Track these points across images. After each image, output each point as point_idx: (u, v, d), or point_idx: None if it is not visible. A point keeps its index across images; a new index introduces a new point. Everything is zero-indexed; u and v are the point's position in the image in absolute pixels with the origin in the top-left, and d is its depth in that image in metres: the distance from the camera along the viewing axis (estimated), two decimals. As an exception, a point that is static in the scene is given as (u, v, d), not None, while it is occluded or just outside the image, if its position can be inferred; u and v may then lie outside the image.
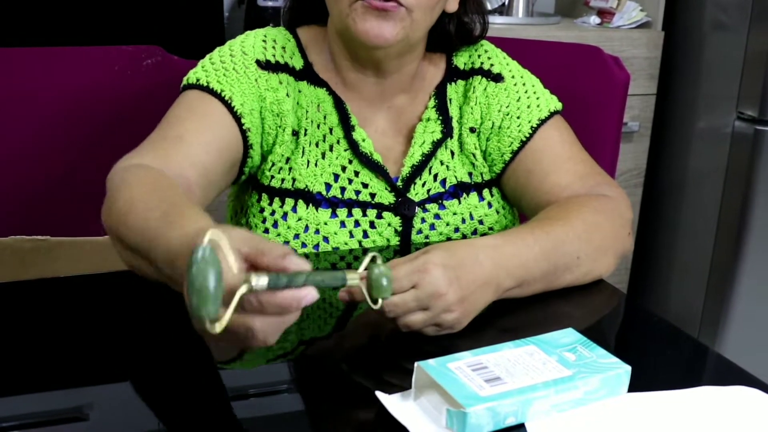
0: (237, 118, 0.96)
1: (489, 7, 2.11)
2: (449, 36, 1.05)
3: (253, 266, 0.60)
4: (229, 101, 0.95)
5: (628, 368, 0.69)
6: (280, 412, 0.69)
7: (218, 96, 0.95)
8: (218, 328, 0.56)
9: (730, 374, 0.75)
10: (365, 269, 0.68)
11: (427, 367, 0.66)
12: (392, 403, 0.66)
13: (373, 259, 0.69)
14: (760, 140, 1.80)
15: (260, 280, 0.57)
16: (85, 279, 0.92)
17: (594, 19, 2.09)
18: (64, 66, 1.31)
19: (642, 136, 2.06)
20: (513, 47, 1.37)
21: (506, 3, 2.11)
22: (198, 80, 0.97)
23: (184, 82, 0.98)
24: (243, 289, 0.56)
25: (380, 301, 0.69)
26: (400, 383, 0.68)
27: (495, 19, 2.05)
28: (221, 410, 0.67)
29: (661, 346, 0.82)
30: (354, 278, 0.66)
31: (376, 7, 0.90)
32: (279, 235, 0.99)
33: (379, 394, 0.67)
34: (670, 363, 0.78)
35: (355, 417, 0.66)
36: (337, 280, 0.64)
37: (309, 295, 0.59)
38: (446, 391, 0.63)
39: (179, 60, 1.32)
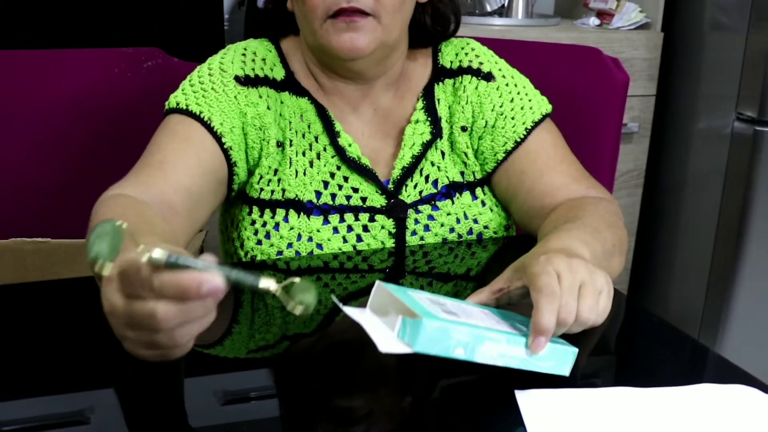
0: (218, 137, 0.96)
1: (488, 8, 2.11)
2: (425, 27, 1.05)
3: None
4: (209, 122, 0.96)
5: (575, 349, 0.71)
6: (276, 415, 0.69)
7: (198, 118, 0.96)
8: (107, 269, 0.54)
9: (729, 374, 0.75)
10: (284, 285, 0.60)
11: (388, 286, 0.68)
12: (350, 310, 0.67)
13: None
14: (759, 141, 1.80)
15: (157, 252, 0.53)
16: (85, 281, 0.92)
17: (593, 21, 2.09)
18: (65, 68, 1.31)
19: (642, 137, 2.06)
20: (512, 48, 1.37)
21: (505, 4, 2.11)
22: (178, 104, 0.98)
23: (166, 106, 1.00)
24: (140, 250, 0.53)
25: (300, 308, 0.60)
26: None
27: (494, 21, 2.05)
28: (219, 412, 0.67)
29: (661, 347, 0.82)
30: (269, 283, 0.58)
31: (344, 21, 0.92)
32: (272, 245, 0.99)
33: (334, 298, 0.69)
34: (670, 363, 0.79)
35: (319, 400, 0.67)
36: (248, 277, 0.57)
37: (213, 280, 0.53)
38: (404, 305, 0.64)
39: (179, 62, 1.32)
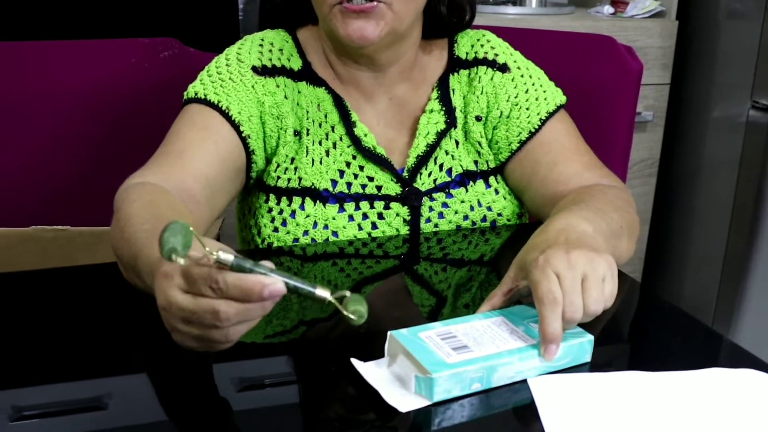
0: (236, 126, 0.98)
1: (502, -3, 2.11)
2: (441, 18, 1.05)
3: None
4: (227, 111, 0.97)
5: (591, 337, 0.72)
6: (293, 401, 0.70)
7: (216, 107, 0.97)
8: (181, 262, 0.57)
9: (742, 360, 0.75)
10: (337, 297, 0.64)
11: (399, 336, 0.70)
12: (366, 369, 0.69)
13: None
14: (774, 129, 1.80)
15: (225, 254, 0.58)
16: (104, 267, 0.94)
17: (608, 9, 2.08)
18: (82, 59, 1.32)
19: (656, 126, 2.06)
20: (526, 37, 1.37)
21: (519, -7, 2.11)
22: (196, 94, 0.99)
23: (185, 96, 1.01)
24: (208, 250, 0.57)
25: (354, 317, 0.63)
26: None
27: (508, 9, 2.05)
28: (235, 399, 0.69)
29: (675, 335, 0.82)
30: (324, 294, 0.62)
31: (353, 9, 0.92)
32: (288, 233, 1.01)
33: (354, 361, 0.70)
34: (684, 351, 0.79)
35: (334, 387, 0.69)
36: (305, 286, 0.61)
37: (275, 285, 0.58)
38: (415, 359, 0.67)
39: (195, 52, 1.33)
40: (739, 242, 1.92)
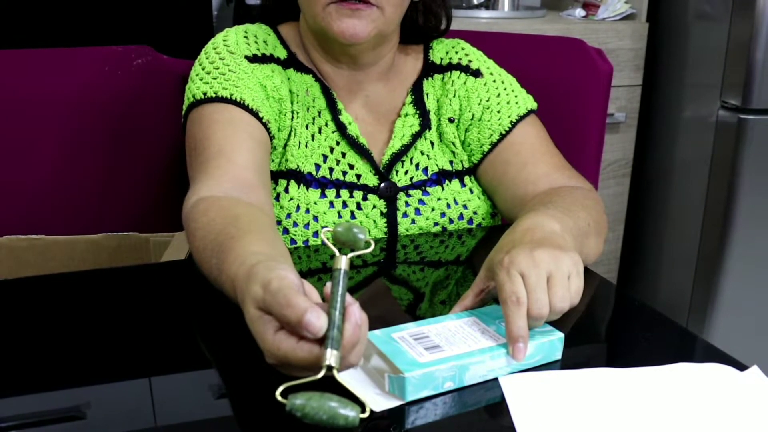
0: (254, 114, 0.98)
1: (475, 1, 2.12)
2: (418, 25, 1.08)
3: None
4: (242, 101, 0.97)
5: (561, 335, 0.73)
6: (262, 404, 0.71)
7: (230, 101, 0.97)
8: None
9: (712, 357, 0.76)
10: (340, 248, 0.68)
11: (372, 337, 0.71)
12: (342, 375, 0.69)
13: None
14: (743, 128, 1.82)
15: (333, 361, 0.60)
16: (79, 276, 0.93)
17: (579, 12, 2.11)
18: (55, 67, 1.32)
19: (629, 127, 2.08)
20: (499, 41, 1.39)
21: (492, -3, 2.12)
22: (205, 94, 0.98)
23: (190, 99, 1.00)
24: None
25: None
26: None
27: (481, 14, 2.06)
28: (215, 407, 0.69)
29: (650, 335, 0.83)
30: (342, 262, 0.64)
31: (349, 7, 0.94)
32: None
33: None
34: (656, 349, 0.80)
35: (308, 387, 0.69)
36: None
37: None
38: (388, 359, 0.68)
39: (169, 59, 1.33)
40: (712, 240, 1.94)
